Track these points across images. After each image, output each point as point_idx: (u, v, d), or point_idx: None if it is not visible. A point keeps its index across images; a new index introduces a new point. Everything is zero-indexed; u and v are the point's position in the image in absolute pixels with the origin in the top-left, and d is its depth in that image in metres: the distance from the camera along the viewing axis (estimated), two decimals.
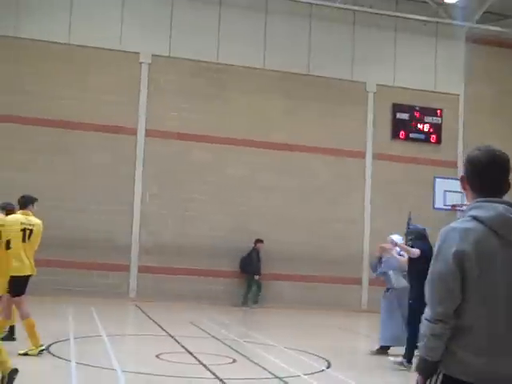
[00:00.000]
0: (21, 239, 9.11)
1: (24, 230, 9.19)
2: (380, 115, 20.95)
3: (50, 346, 9.72)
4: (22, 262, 9.09)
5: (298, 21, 20.44)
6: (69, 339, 10.55)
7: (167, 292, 18.34)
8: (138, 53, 19.39)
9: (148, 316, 14.65)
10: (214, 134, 19.59)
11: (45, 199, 17.78)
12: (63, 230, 17.94)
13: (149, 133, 19.20)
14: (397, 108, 21.01)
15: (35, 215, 9.58)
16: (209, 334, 12.40)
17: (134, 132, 19.13)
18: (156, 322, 13.52)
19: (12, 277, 8.77)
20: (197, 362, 9.31)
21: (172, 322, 13.11)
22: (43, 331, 10.90)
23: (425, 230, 10.37)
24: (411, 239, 10.38)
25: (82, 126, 18.69)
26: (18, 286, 9.02)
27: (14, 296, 9.07)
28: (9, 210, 9.72)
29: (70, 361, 8.77)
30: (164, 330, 12.33)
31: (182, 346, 10.60)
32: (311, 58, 20.52)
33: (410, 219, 11.16)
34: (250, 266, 18.80)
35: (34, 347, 9.08)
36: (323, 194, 20.20)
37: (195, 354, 9.85)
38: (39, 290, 16.89)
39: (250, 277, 18.84)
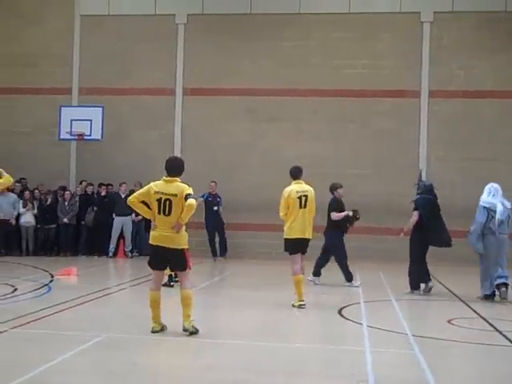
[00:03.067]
0: (298, 205, 10.16)
1: (300, 198, 10.20)
2: None
3: (341, 309, 10.10)
4: (291, 227, 10.19)
5: None
6: (359, 303, 10.86)
7: (453, 255, 17.74)
8: (418, 12, 18.97)
9: (437, 280, 14.37)
10: (504, 89, 18.45)
11: (333, 167, 18.72)
12: (351, 196, 18.37)
13: (432, 94, 18.75)
14: None
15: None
16: (504, 298, 11.77)
17: (417, 95, 18.83)
18: (445, 286, 13.22)
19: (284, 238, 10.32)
20: (491, 329, 8.95)
21: (462, 285, 12.71)
22: (333, 295, 11.46)
23: (431, 184, 12.50)
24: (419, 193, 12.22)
25: (366, 93, 18.92)
26: (288, 246, 10.31)
27: (289, 254, 10.36)
28: None
29: (361, 324, 8.99)
30: (454, 295, 12.04)
31: (475, 311, 10.25)
32: None
33: (420, 175, 13.25)
34: None
35: (297, 300, 10.22)
36: None
37: (489, 320, 9.48)
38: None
39: None
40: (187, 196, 7.81)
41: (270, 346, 7.68)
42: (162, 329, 8.01)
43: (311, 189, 10.36)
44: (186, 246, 8.05)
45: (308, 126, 19.16)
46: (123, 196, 17.95)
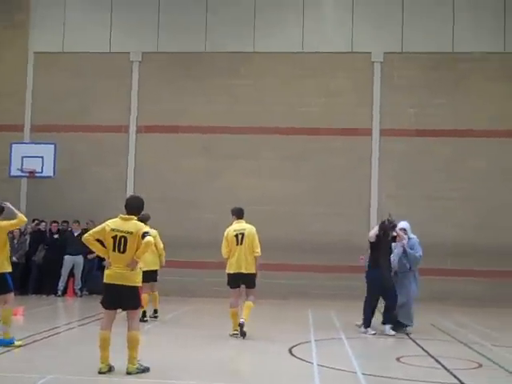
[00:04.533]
0: (235, 243, 11.04)
1: (237, 236, 11.09)
2: None
3: (292, 347, 10.07)
4: (230, 263, 11.09)
5: None
6: (310, 341, 10.84)
7: None
8: (369, 52, 19.39)
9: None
10: (454, 127, 18.92)
11: (289, 205, 18.86)
12: (304, 234, 18.61)
13: (384, 132, 19.08)
14: None
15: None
16: (450, 336, 11.97)
17: (369, 132, 19.15)
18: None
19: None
20: (439, 367, 9.02)
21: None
22: (284, 334, 11.40)
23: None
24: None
25: (321, 131, 19.18)
26: (228, 280, 11.16)
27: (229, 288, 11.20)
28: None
29: (311, 363, 8.98)
30: (404, 332, 12.11)
31: (423, 349, 10.35)
32: None
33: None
34: None
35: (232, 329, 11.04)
36: None
37: (437, 358, 9.57)
38: (280, 293, 17.88)
39: None
40: (144, 234, 7.89)
41: None
42: (110, 370, 7.88)
43: (251, 227, 11.25)
44: (139, 284, 8.05)
45: (264, 163, 19.27)
46: (76, 234, 17.69)
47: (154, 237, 11.90)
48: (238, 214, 11.36)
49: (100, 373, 7.75)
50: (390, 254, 12.02)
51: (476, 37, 19.04)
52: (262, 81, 19.58)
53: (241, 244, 11.03)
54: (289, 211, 18.87)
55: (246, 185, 18.98)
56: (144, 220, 12.19)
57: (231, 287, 11.20)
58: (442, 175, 18.85)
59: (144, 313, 12.46)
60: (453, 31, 19.13)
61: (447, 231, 18.38)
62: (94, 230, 8.19)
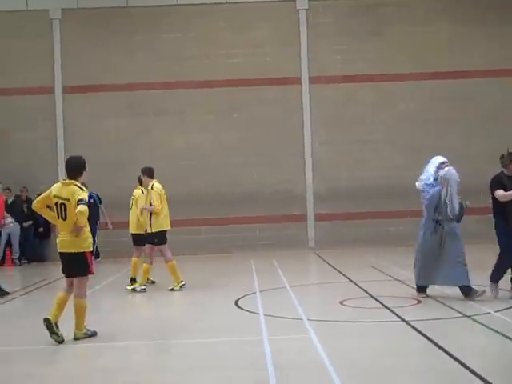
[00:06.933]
0: (165, 200, 11.66)
1: (165, 194, 11.66)
2: None
3: (238, 300, 10.21)
4: (165, 219, 11.57)
5: None
6: (255, 292, 10.99)
7: (345, 238, 18.45)
8: (293, 0, 19.28)
9: (328, 263, 14.81)
10: (380, 72, 19.17)
11: (222, 157, 18.86)
12: (241, 186, 18.70)
13: (313, 80, 19.16)
14: None
15: None
16: (391, 276, 12.33)
17: (298, 81, 19.19)
18: (336, 269, 13.63)
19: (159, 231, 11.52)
20: (381, 306, 9.33)
21: (352, 267, 13.14)
22: (230, 286, 11.50)
23: None
24: None
25: (249, 82, 19.08)
26: (163, 236, 11.56)
27: (157, 245, 11.53)
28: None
29: (258, 313, 9.12)
30: (345, 276, 12.44)
31: (365, 291, 10.64)
32: None
33: None
34: None
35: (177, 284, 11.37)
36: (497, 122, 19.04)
37: (378, 298, 9.87)
38: (222, 247, 18.03)
39: None
40: (79, 202, 7.63)
41: (170, 343, 7.70)
42: (54, 328, 7.67)
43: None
44: (87, 249, 7.90)
45: (191, 118, 19.11)
46: (9, 202, 17.21)
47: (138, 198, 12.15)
48: (153, 173, 11.89)
49: (45, 321, 7.62)
50: None
51: None
52: (185, 34, 19.24)
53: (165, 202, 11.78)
54: (220, 164, 18.87)
55: (175, 140, 18.85)
56: (149, 175, 11.89)
57: (166, 242, 11.64)
58: (368, 120, 19.11)
59: (133, 280, 11.87)
60: None
61: (376, 174, 18.77)
62: (42, 195, 8.03)
